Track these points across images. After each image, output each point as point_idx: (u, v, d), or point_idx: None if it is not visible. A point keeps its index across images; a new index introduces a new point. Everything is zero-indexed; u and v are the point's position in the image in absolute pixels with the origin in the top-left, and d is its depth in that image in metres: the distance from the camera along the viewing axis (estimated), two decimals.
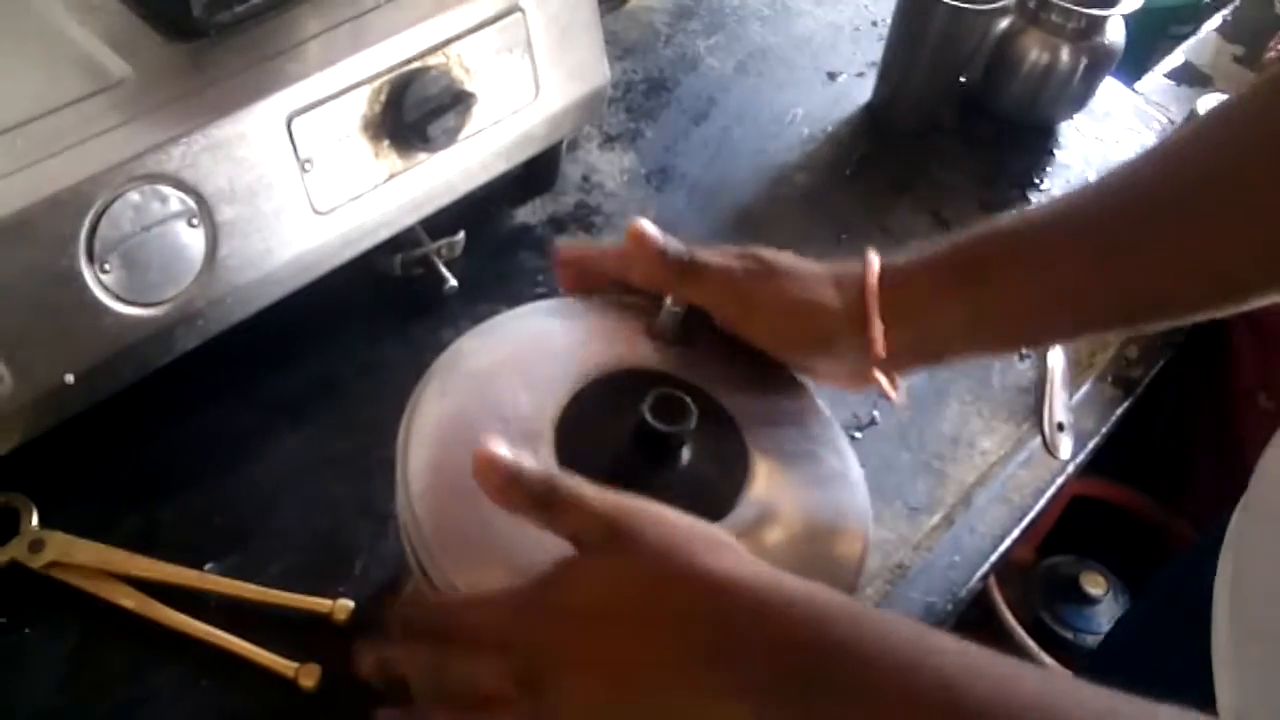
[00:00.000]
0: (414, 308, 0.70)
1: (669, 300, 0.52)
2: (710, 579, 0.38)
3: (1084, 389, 0.76)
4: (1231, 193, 0.46)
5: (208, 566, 0.57)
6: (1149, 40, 1.15)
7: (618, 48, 0.92)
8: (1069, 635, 1.10)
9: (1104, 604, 1.11)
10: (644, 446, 0.46)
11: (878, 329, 0.49)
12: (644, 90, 0.90)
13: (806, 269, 0.51)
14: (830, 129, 0.90)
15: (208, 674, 0.54)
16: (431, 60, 0.59)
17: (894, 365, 0.51)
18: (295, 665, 0.53)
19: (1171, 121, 0.95)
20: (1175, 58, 1.08)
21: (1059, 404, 0.73)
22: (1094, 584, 1.11)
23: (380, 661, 0.43)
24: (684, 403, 0.46)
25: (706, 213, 0.81)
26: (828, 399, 0.54)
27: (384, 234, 0.63)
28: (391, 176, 0.60)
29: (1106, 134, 0.93)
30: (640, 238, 0.51)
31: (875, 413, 0.71)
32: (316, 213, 0.58)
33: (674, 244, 0.51)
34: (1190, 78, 1.05)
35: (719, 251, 0.52)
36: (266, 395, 0.65)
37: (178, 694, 0.53)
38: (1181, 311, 0.52)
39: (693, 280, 0.51)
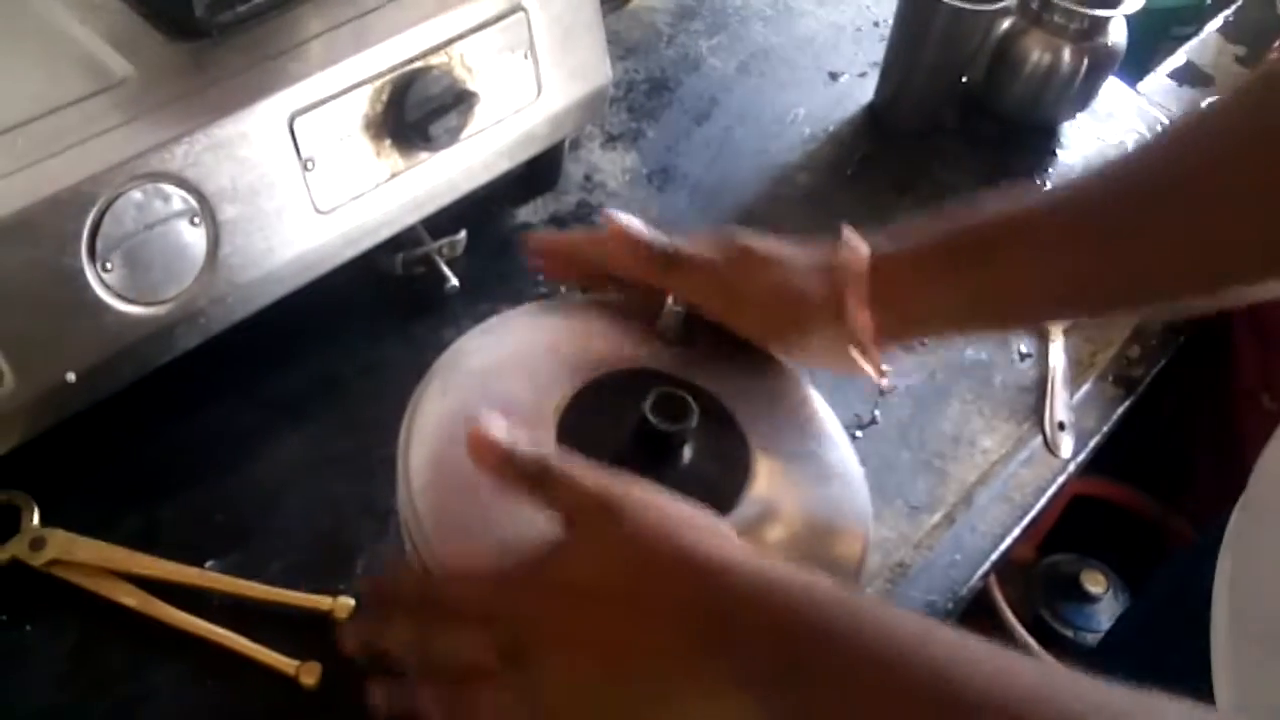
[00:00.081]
0: (415, 307, 0.70)
1: (670, 300, 0.52)
2: (705, 564, 0.38)
3: (1085, 388, 0.76)
4: (1231, 181, 0.46)
5: (209, 564, 0.57)
6: (1151, 41, 1.15)
7: (620, 47, 0.92)
8: (1069, 633, 1.10)
9: (1104, 602, 1.11)
10: (645, 445, 0.46)
11: (857, 313, 0.49)
12: (646, 90, 0.90)
13: (789, 254, 0.52)
14: (832, 129, 0.90)
15: (209, 672, 0.54)
16: (434, 60, 0.59)
17: (880, 346, 0.51)
18: (296, 663, 0.54)
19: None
20: (1177, 58, 1.08)
21: (1060, 403, 0.73)
22: (1094, 582, 1.11)
23: (364, 638, 0.43)
24: (685, 401, 0.46)
25: (708, 213, 0.81)
26: (829, 398, 0.54)
27: (385, 233, 0.63)
28: (393, 176, 0.60)
29: (1109, 134, 0.93)
30: (619, 233, 0.51)
31: (876, 412, 0.71)
32: (318, 212, 0.58)
33: (654, 236, 0.51)
34: (1192, 78, 1.05)
35: (700, 239, 0.52)
36: (268, 394, 0.65)
37: (178, 692, 0.53)
38: (1179, 297, 0.52)
39: (675, 273, 0.51)
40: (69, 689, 0.53)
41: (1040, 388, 0.74)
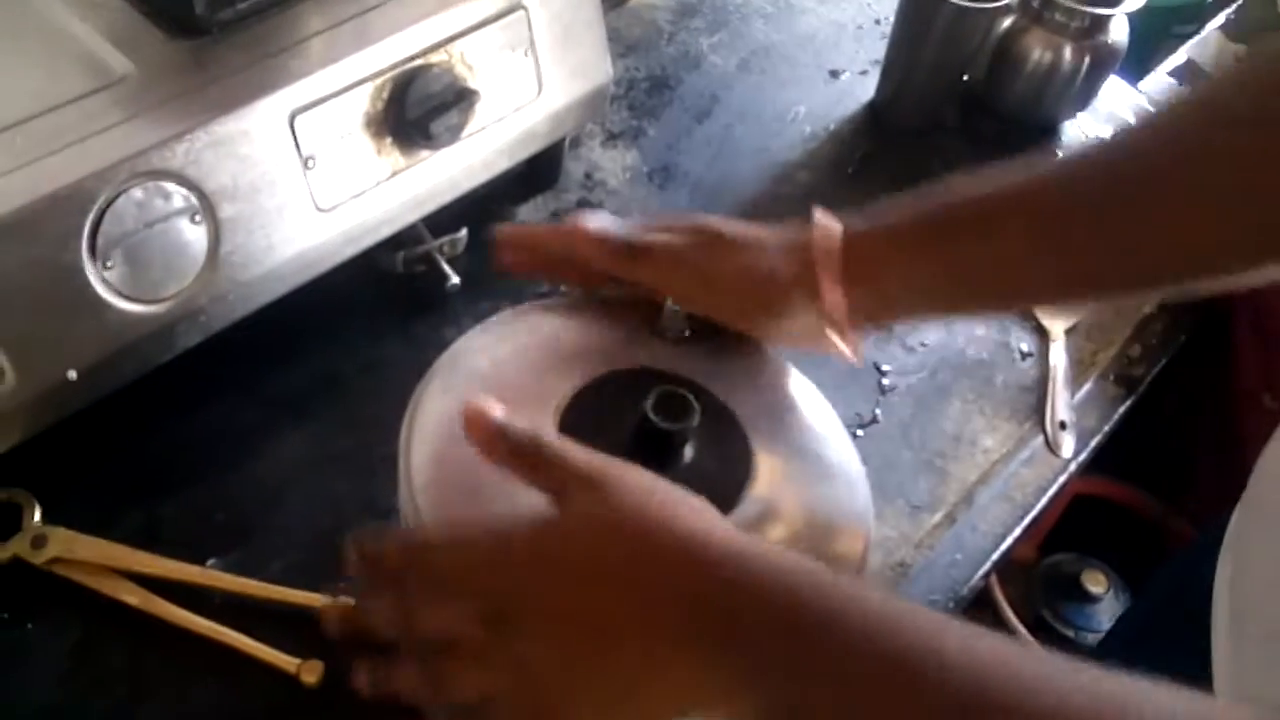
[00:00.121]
0: (416, 305, 0.70)
1: (670, 298, 0.52)
2: (690, 542, 0.38)
3: (1086, 388, 0.76)
4: (1198, 173, 0.46)
5: (210, 562, 0.57)
6: (1152, 39, 1.15)
7: (620, 45, 0.92)
8: (1070, 633, 1.10)
9: (1105, 602, 1.11)
10: (647, 444, 0.46)
11: (830, 292, 0.49)
12: (646, 88, 0.90)
13: (759, 235, 0.51)
14: (833, 127, 0.90)
15: (210, 670, 0.54)
16: (434, 58, 0.59)
17: (852, 326, 0.51)
18: (297, 661, 0.53)
19: None
20: (1178, 57, 1.08)
21: (1061, 402, 0.73)
22: (1095, 582, 1.11)
23: (345, 613, 0.44)
24: (687, 400, 0.46)
25: (709, 211, 0.81)
26: (830, 397, 0.54)
27: (386, 231, 0.63)
28: (394, 174, 0.60)
29: (1110, 133, 0.93)
30: (582, 230, 0.51)
31: (877, 411, 0.71)
32: (319, 210, 0.58)
33: (615, 229, 0.51)
34: (1193, 77, 1.05)
35: (665, 225, 0.52)
36: (269, 392, 0.65)
37: (180, 690, 0.53)
38: (1162, 282, 0.53)
39: (641, 263, 0.51)
40: (70, 687, 0.53)
41: (1041, 387, 0.74)
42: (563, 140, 0.73)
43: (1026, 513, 0.68)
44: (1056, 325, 0.77)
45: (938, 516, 0.67)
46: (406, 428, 0.48)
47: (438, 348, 0.51)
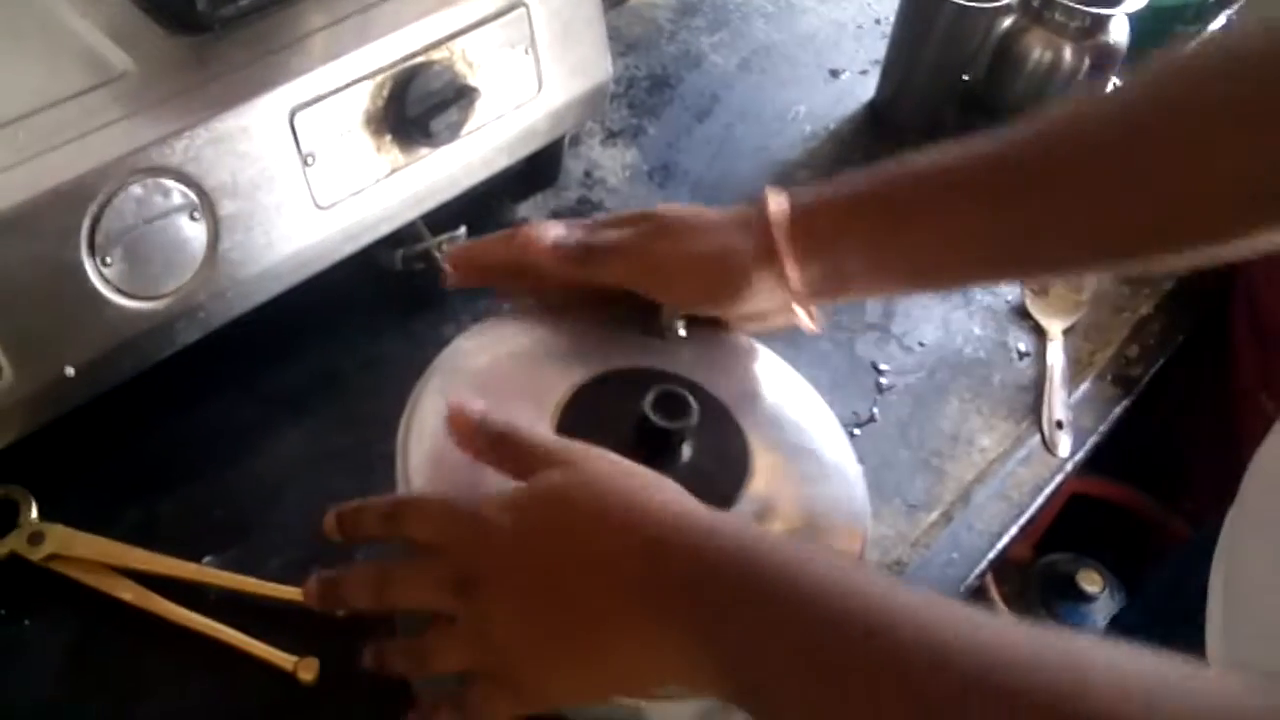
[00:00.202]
0: (415, 303, 0.70)
1: None
2: (646, 510, 0.40)
3: (1083, 387, 0.76)
4: (1124, 155, 0.47)
5: (207, 560, 0.57)
6: (1153, 39, 1.15)
7: (621, 44, 0.92)
8: None
9: (1100, 602, 1.11)
10: (645, 443, 0.46)
11: (793, 266, 0.49)
12: (647, 86, 0.90)
13: (707, 218, 0.52)
14: (833, 127, 0.90)
15: (207, 667, 0.54)
16: (435, 55, 0.59)
17: (809, 297, 0.51)
18: (294, 659, 0.54)
19: None
20: None
21: (1058, 402, 0.73)
22: (1091, 582, 1.11)
23: (326, 586, 0.45)
24: (685, 399, 0.46)
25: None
26: (828, 396, 0.54)
27: (385, 229, 0.63)
28: (393, 171, 0.60)
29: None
30: (529, 240, 0.51)
31: (875, 410, 0.71)
32: (318, 207, 0.58)
33: (565, 236, 0.51)
34: None
35: (613, 221, 0.52)
36: (267, 389, 0.65)
37: (177, 686, 0.53)
38: (1075, 266, 0.55)
39: (594, 264, 0.51)
40: (67, 683, 0.53)
41: (1038, 387, 0.74)
42: (562, 138, 0.73)
43: (1023, 512, 0.68)
44: (1054, 325, 0.78)
45: (934, 515, 0.67)
46: (404, 426, 0.48)
47: (436, 345, 0.51)
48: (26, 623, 0.54)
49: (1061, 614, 1.11)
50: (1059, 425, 0.72)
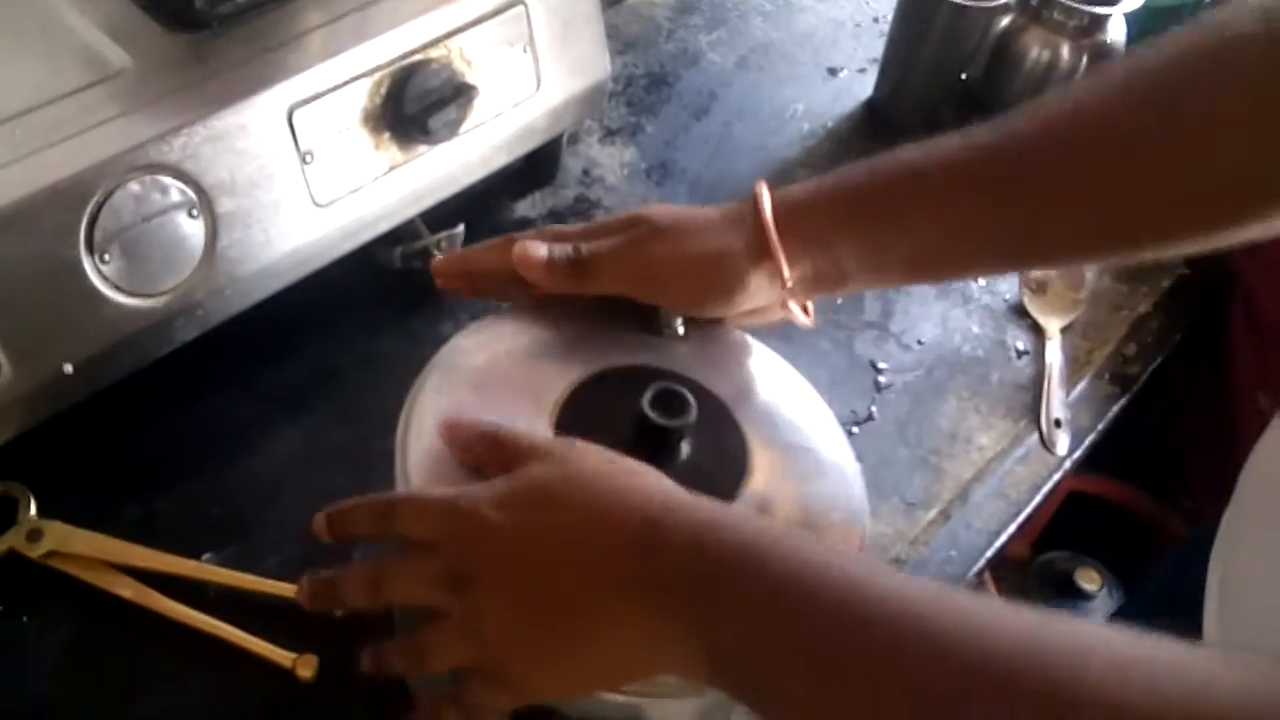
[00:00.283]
0: (413, 301, 0.70)
1: None
2: (637, 501, 0.40)
3: (1081, 386, 0.76)
4: (1123, 143, 0.47)
5: (206, 557, 0.57)
6: (1150, 38, 1.15)
7: (619, 42, 0.92)
8: None
9: (1098, 600, 1.11)
10: (644, 440, 0.46)
11: (789, 263, 0.49)
12: (645, 85, 0.90)
13: (699, 218, 0.52)
14: (831, 125, 0.90)
15: (205, 664, 0.54)
16: (433, 53, 0.59)
17: (804, 292, 0.52)
18: (293, 656, 0.54)
19: None
20: None
21: (1056, 400, 0.73)
22: (1089, 580, 1.11)
23: (320, 586, 0.45)
24: (683, 397, 0.46)
25: (707, 206, 0.81)
26: (826, 394, 0.54)
27: (384, 226, 0.63)
28: (392, 169, 0.60)
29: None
30: (521, 259, 0.51)
31: (873, 408, 0.71)
32: (316, 205, 0.58)
33: (555, 248, 0.51)
34: None
35: (601, 228, 0.52)
36: (265, 386, 0.65)
37: (175, 683, 0.53)
38: (1074, 256, 0.56)
39: (586, 274, 0.51)
40: (66, 680, 0.53)
41: (1037, 385, 0.74)
42: (561, 136, 0.73)
43: (1021, 510, 0.69)
44: (1052, 323, 0.78)
45: (933, 513, 0.67)
46: (403, 424, 0.48)
47: (434, 343, 0.51)
48: (25, 620, 0.54)
49: (1059, 612, 1.10)
50: (1057, 424, 0.72)
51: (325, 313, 0.67)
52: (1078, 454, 0.72)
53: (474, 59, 0.61)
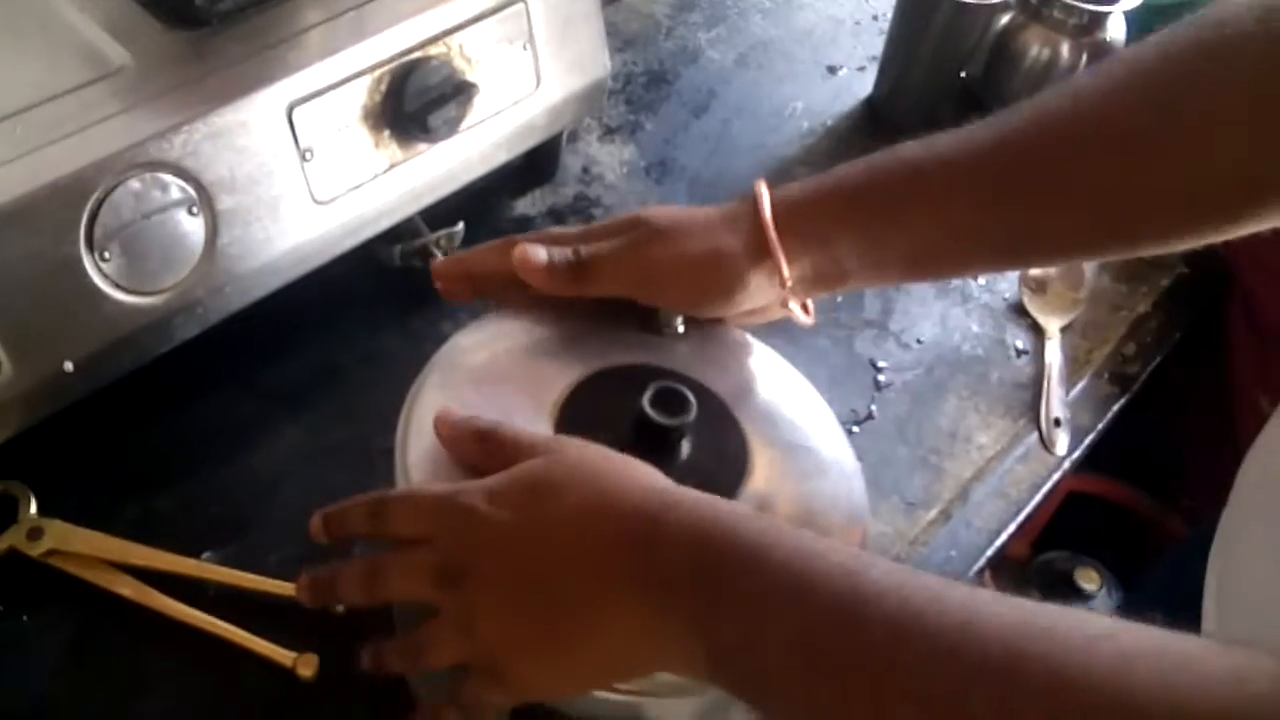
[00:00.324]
0: (413, 298, 0.70)
1: None
2: (633, 495, 0.40)
3: (1081, 385, 0.76)
4: (1122, 141, 0.47)
5: (206, 555, 0.57)
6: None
7: (618, 39, 0.92)
8: None
9: (1098, 600, 1.11)
10: (644, 439, 0.46)
11: (789, 261, 0.49)
12: (644, 82, 0.90)
13: (697, 219, 0.52)
14: (830, 123, 0.90)
15: (205, 663, 0.54)
16: (433, 50, 0.59)
17: (804, 291, 0.52)
18: (293, 655, 0.54)
19: None
20: None
21: (1056, 400, 0.73)
22: (1088, 580, 1.11)
23: (318, 582, 0.45)
24: (684, 396, 0.46)
25: (706, 206, 0.81)
26: (826, 393, 0.54)
27: (384, 224, 0.63)
28: (392, 166, 0.60)
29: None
30: (521, 263, 0.51)
31: (873, 407, 0.71)
32: (316, 202, 0.58)
33: (554, 252, 0.51)
34: None
35: (599, 230, 0.52)
36: (266, 384, 0.65)
37: (175, 682, 0.53)
38: (1073, 253, 0.56)
39: (586, 278, 0.51)
40: (66, 679, 0.53)
41: (1036, 384, 0.74)
42: (560, 134, 0.73)
43: (1021, 509, 0.69)
44: (1052, 323, 0.78)
45: (932, 513, 0.67)
46: (403, 422, 0.48)
47: (435, 341, 0.51)
48: (25, 618, 0.54)
49: None
50: (1056, 423, 0.72)
51: (325, 311, 0.67)
52: (1077, 453, 0.72)
53: (474, 56, 0.61)
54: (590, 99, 0.70)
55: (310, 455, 0.62)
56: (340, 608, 0.55)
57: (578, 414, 0.48)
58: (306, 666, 0.53)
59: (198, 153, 0.52)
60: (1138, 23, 0.88)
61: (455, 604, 0.41)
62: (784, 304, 0.52)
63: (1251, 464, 0.56)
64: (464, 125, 0.62)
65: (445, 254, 0.69)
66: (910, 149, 0.50)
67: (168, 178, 0.51)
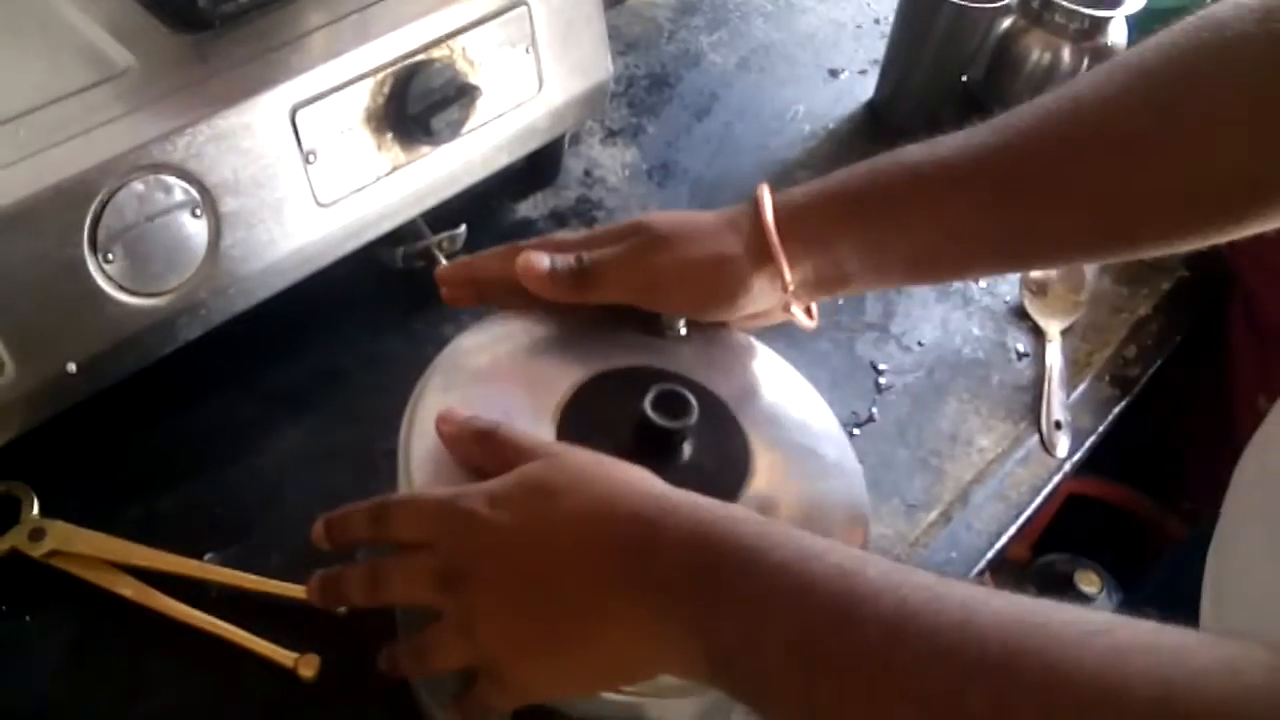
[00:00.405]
0: (416, 301, 0.70)
1: None
2: (631, 499, 0.40)
3: (1081, 388, 0.76)
4: (1123, 144, 0.47)
5: (208, 556, 0.57)
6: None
7: (620, 43, 0.92)
8: None
9: (1098, 602, 1.11)
10: (646, 442, 0.46)
11: (791, 265, 0.50)
12: (646, 85, 0.90)
13: (698, 224, 0.52)
14: (832, 126, 0.90)
15: (207, 663, 0.54)
16: (436, 53, 0.59)
17: (806, 294, 0.52)
18: (295, 655, 0.54)
19: None
20: None
21: (1056, 402, 0.73)
22: (1088, 582, 1.11)
23: (328, 582, 0.46)
24: (685, 398, 0.46)
25: (708, 209, 0.81)
26: (827, 396, 0.54)
27: (386, 226, 0.63)
28: (394, 169, 0.60)
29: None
30: (525, 270, 0.51)
31: (874, 409, 0.71)
32: (319, 204, 0.58)
33: (557, 260, 0.51)
34: None
35: (601, 237, 0.52)
36: (268, 386, 0.65)
37: (177, 683, 0.53)
38: (1074, 255, 0.56)
39: (588, 285, 0.51)
40: (68, 680, 0.53)
41: (1037, 387, 0.75)
42: (562, 137, 0.73)
43: (1021, 512, 0.69)
44: (1053, 326, 0.78)
45: (933, 515, 0.67)
46: (406, 424, 0.48)
47: (437, 344, 0.52)
48: (27, 619, 0.54)
49: None
50: (1057, 425, 0.72)
51: (328, 313, 0.67)
52: (1077, 456, 0.72)
53: (476, 59, 0.61)
54: (592, 102, 0.71)
55: (312, 456, 0.62)
56: (343, 609, 0.55)
57: (580, 416, 0.48)
58: (308, 667, 0.53)
59: (201, 155, 0.52)
60: (1139, 27, 0.88)
61: (456, 607, 0.41)
62: (786, 308, 0.52)
63: (1248, 462, 0.56)
64: (466, 128, 0.62)
65: (447, 256, 0.69)
66: (911, 152, 0.50)
67: (171, 180, 0.51)
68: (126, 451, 0.60)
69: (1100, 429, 0.74)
